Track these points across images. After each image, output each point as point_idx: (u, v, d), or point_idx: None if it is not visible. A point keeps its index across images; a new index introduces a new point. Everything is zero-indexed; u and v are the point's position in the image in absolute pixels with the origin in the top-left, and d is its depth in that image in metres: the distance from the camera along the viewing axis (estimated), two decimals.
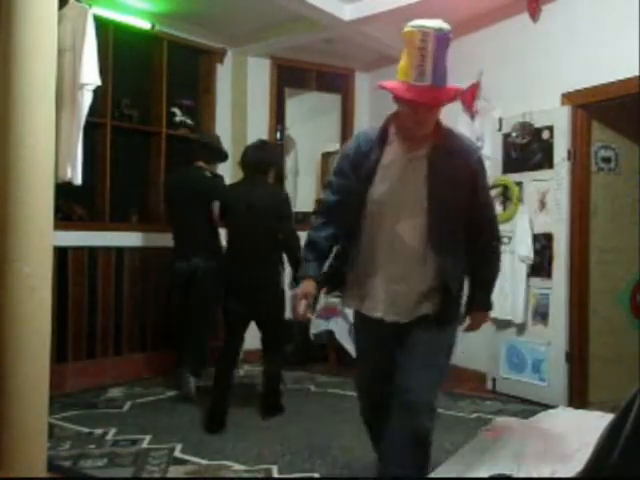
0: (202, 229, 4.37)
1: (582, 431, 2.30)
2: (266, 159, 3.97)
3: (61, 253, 4.32)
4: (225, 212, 3.98)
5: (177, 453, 3.26)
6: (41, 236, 2.57)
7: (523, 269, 4.40)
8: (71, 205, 4.61)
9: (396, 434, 2.18)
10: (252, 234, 3.81)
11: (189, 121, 5.41)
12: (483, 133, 4.86)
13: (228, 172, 5.27)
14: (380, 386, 2.37)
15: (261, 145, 4.06)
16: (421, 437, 2.16)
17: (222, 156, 4.64)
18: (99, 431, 3.58)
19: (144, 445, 3.38)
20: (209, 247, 4.37)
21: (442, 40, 2.17)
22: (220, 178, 4.58)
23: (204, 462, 3.13)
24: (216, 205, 4.15)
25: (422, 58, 2.10)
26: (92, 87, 3.54)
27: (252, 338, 5.68)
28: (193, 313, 4.46)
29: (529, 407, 4.10)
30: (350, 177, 2.28)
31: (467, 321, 2.39)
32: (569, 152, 4.25)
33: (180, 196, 4.43)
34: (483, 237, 2.34)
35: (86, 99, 3.51)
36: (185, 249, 4.41)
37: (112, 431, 3.59)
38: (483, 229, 2.34)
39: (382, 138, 2.27)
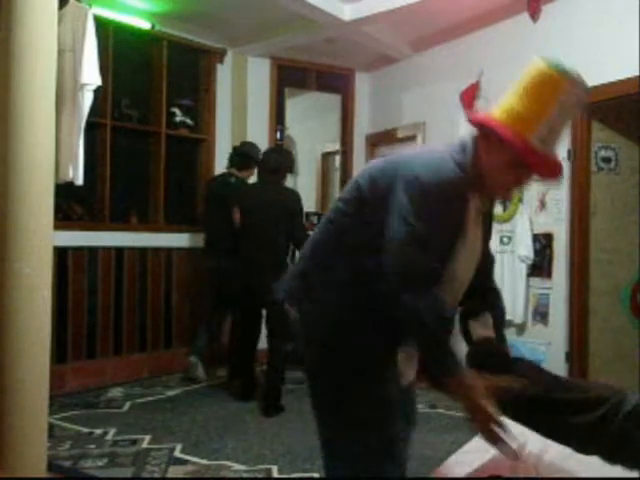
0: (225, 231, 4.54)
1: None
2: (284, 164, 4.35)
3: (61, 253, 4.32)
4: (244, 212, 4.26)
5: (177, 453, 3.26)
6: (41, 236, 2.57)
7: (523, 269, 4.40)
8: (71, 205, 4.61)
9: None
10: (270, 230, 4.15)
11: (189, 121, 5.41)
12: None
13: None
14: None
15: (279, 150, 4.51)
16: None
17: (252, 163, 4.79)
18: (99, 431, 3.58)
19: (144, 445, 3.38)
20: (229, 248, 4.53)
21: (581, 104, 1.69)
22: (243, 183, 4.79)
23: (204, 462, 3.13)
24: (236, 209, 4.37)
25: (558, 120, 1.59)
26: (92, 87, 3.55)
27: None
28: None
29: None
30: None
31: None
32: (569, 152, 4.25)
33: (210, 201, 4.87)
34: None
35: (87, 99, 3.51)
36: (211, 249, 4.78)
37: (112, 431, 3.59)
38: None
39: (467, 190, 1.64)
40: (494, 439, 1.55)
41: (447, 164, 1.59)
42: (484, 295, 1.88)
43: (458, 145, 1.68)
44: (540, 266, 4.36)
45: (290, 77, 6.02)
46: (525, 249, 4.36)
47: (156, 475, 2.98)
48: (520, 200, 4.46)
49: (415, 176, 1.56)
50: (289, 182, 5.97)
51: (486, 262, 1.84)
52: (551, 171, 1.62)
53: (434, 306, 1.54)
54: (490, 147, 1.62)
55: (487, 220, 1.80)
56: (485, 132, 1.64)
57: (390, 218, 1.57)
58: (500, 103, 1.65)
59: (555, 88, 1.59)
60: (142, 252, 4.97)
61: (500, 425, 1.53)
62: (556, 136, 1.60)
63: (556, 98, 1.57)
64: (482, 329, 1.82)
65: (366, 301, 1.66)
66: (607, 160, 4.47)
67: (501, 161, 1.60)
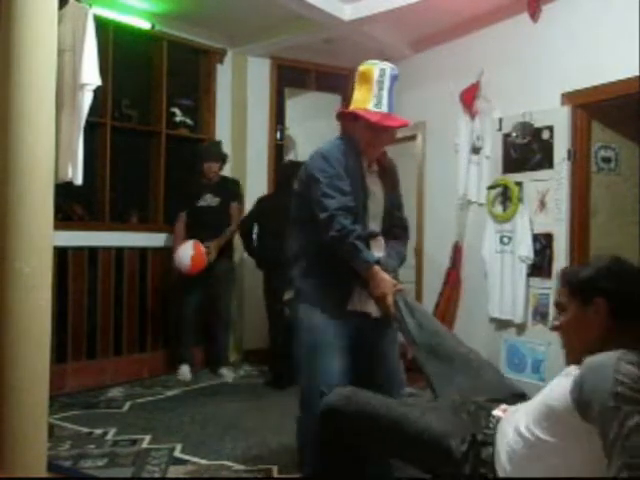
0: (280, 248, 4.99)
1: None
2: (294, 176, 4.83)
3: (61, 253, 4.32)
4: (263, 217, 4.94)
5: (177, 453, 3.26)
6: (41, 236, 2.57)
7: (523, 269, 4.40)
8: (71, 205, 4.61)
9: None
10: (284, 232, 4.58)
11: (189, 121, 5.42)
12: (483, 133, 4.87)
13: (228, 172, 5.30)
14: None
15: (291, 165, 5.12)
16: None
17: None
18: (99, 431, 3.58)
19: (144, 445, 3.38)
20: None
21: (394, 77, 2.61)
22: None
23: (204, 462, 3.13)
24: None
25: (379, 90, 2.56)
26: (92, 87, 3.54)
27: (252, 338, 5.70)
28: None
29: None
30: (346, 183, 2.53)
31: None
32: (569, 152, 4.25)
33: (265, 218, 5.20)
34: (404, 239, 2.85)
35: (86, 99, 3.50)
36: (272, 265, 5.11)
37: (112, 431, 3.59)
38: (403, 235, 2.85)
39: (357, 153, 2.61)
40: (390, 315, 2.43)
41: (333, 141, 2.65)
42: (391, 229, 2.76)
43: (340, 133, 2.74)
44: (540, 266, 4.36)
45: (290, 77, 6.02)
46: (525, 249, 4.36)
47: (156, 475, 2.98)
48: (520, 200, 4.45)
49: (316, 152, 2.60)
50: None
51: (392, 206, 2.76)
52: (381, 120, 2.53)
53: (352, 227, 2.41)
54: (354, 125, 2.59)
55: (387, 179, 2.75)
56: (347, 118, 2.62)
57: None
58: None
59: (369, 74, 2.56)
60: (142, 252, 4.98)
61: (394, 307, 2.39)
62: (383, 97, 2.56)
63: (372, 78, 2.55)
64: (376, 250, 2.58)
65: (315, 265, 2.57)
66: (607, 160, 4.47)
67: (361, 130, 2.57)
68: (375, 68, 2.56)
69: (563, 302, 1.72)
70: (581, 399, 1.44)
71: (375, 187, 2.68)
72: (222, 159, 5.07)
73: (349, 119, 2.61)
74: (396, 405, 2.01)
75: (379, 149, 2.67)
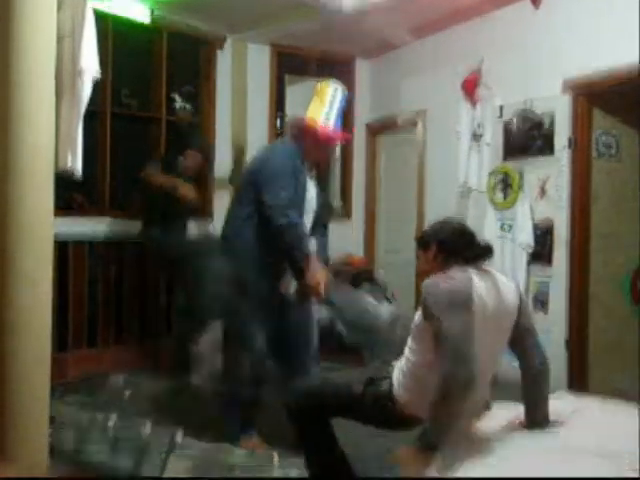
0: None
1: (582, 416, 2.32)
2: None
3: (61, 242, 4.31)
4: None
5: (178, 439, 3.26)
6: (41, 229, 2.56)
7: (523, 256, 4.40)
8: (71, 193, 4.60)
9: None
10: None
11: (189, 107, 5.40)
12: (484, 120, 4.85)
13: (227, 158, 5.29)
14: None
15: None
16: None
17: None
18: (101, 418, 3.59)
19: (146, 432, 3.38)
20: None
21: (345, 97, 3.08)
22: None
23: (205, 446, 3.15)
24: None
25: (330, 107, 2.99)
26: (91, 74, 3.52)
27: None
28: None
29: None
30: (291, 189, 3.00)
31: None
32: (570, 139, 4.24)
33: None
34: (326, 235, 3.40)
35: (86, 87, 3.49)
36: None
37: (114, 418, 3.59)
38: (325, 232, 3.38)
39: (301, 157, 3.07)
40: (320, 300, 3.02)
41: (284, 143, 3.25)
42: (318, 226, 3.25)
43: (280, 140, 3.26)
44: (540, 253, 4.36)
45: (290, 64, 6.00)
46: (526, 237, 4.36)
47: (157, 463, 2.98)
48: (521, 187, 4.45)
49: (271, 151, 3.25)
50: None
51: (321, 207, 3.23)
52: (328, 134, 3.07)
53: (299, 220, 2.95)
54: (302, 135, 3.08)
55: (320, 183, 3.28)
56: (298, 125, 3.14)
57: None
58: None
59: (324, 90, 3.04)
60: (142, 248, 4.97)
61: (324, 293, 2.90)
62: (331, 115, 3.03)
63: (326, 95, 3.01)
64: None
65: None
66: (608, 146, 4.46)
67: (309, 140, 3.06)
68: (330, 86, 3.03)
69: (418, 255, 2.38)
70: (423, 307, 2.10)
71: (311, 189, 3.15)
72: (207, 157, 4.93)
73: (300, 128, 3.08)
74: (334, 381, 2.67)
75: (319, 158, 3.19)
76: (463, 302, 2.02)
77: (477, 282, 2.09)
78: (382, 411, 2.27)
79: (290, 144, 3.13)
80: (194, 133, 5.17)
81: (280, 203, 2.89)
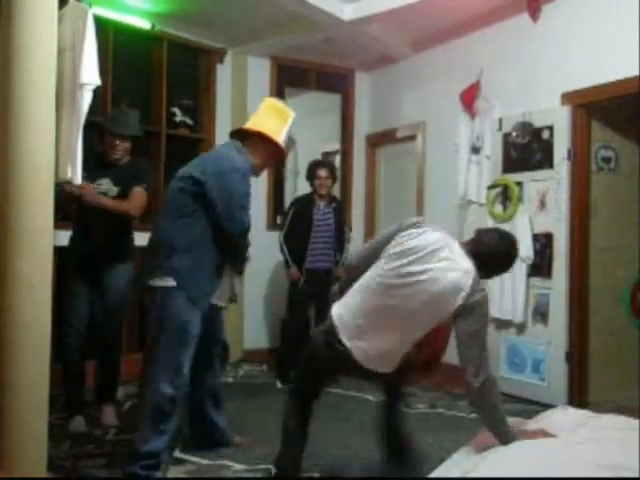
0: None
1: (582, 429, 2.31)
2: None
3: (61, 252, 4.30)
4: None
5: (177, 453, 3.25)
6: (41, 235, 2.56)
7: (523, 269, 4.40)
8: (70, 204, 4.59)
9: None
10: None
11: (189, 121, 5.41)
12: (483, 133, 4.87)
13: None
14: None
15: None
16: None
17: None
18: (99, 431, 3.58)
19: None
20: None
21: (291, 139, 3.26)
22: None
23: (204, 462, 3.13)
24: None
25: (287, 130, 3.07)
26: (92, 87, 3.53)
27: (252, 338, 5.70)
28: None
29: (529, 407, 4.10)
30: None
31: None
32: (569, 152, 4.25)
33: (296, 219, 5.15)
34: None
35: (86, 99, 3.50)
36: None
37: (112, 431, 3.58)
38: None
39: (253, 169, 3.04)
40: None
41: (242, 157, 2.91)
42: None
43: (234, 148, 2.96)
44: (540, 266, 4.36)
45: (290, 77, 6.03)
46: (525, 249, 4.35)
47: (156, 475, 2.97)
48: (520, 200, 4.46)
49: (227, 167, 2.83)
50: (290, 182, 6.04)
51: None
52: (284, 153, 3.16)
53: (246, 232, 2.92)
54: (260, 146, 3.00)
55: None
56: (254, 138, 2.99)
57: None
58: (256, 122, 3.02)
59: (287, 116, 3.07)
60: (142, 251, 4.95)
61: None
62: (285, 138, 3.05)
63: (288, 120, 3.05)
64: None
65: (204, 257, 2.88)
66: (607, 160, 4.48)
67: (266, 153, 3.03)
68: (291, 114, 3.08)
69: None
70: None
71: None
72: (137, 135, 3.79)
73: (257, 139, 2.98)
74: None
75: (260, 172, 3.16)
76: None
77: None
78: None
79: (245, 155, 2.94)
80: (117, 114, 3.91)
81: (244, 230, 2.88)
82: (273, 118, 3.00)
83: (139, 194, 3.64)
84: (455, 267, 2.37)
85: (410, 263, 2.39)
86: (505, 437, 2.26)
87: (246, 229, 2.89)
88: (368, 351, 2.44)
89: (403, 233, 2.49)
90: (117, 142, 3.64)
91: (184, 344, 2.79)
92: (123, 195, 3.61)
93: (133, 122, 3.73)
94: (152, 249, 2.89)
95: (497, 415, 2.34)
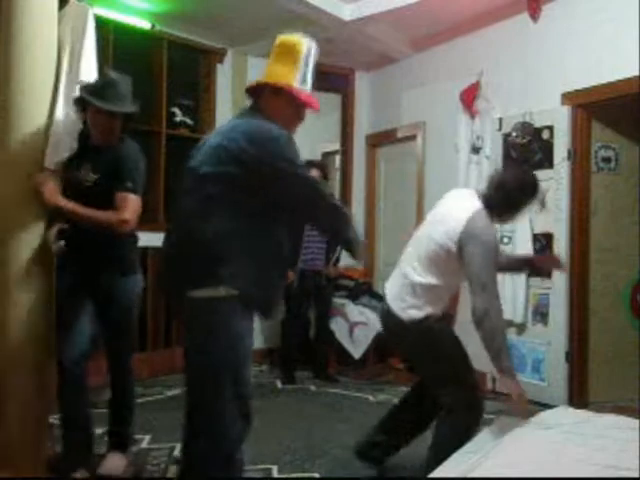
0: None
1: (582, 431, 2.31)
2: None
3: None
4: None
5: (177, 453, 3.25)
6: (41, 236, 2.57)
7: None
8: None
9: None
10: None
11: (189, 121, 5.41)
12: (483, 133, 4.86)
13: None
14: None
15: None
16: None
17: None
18: (99, 431, 3.57)
19: (144, 445, 3.38)
20: None
21: (316, 55, 2.42)
22: None
23: None
24: None
25: (305, 67, 2.36)
26: None
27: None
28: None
29: (529, 407, 4.09)
30: None
31: None
32: (569, 152, 4.25)
33: None
34: None
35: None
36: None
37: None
38: None
39: None
40: None
41: (265, 122, 2.21)
42: None
43: (249, 114, 2.32)
44: (540, 266, 4.36)
45: None
46: (525, 249, 4.36)
47: (156, 475, 2.97)
48: None
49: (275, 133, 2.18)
50: None
51: None
52: (311, 100, 2.33)
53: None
54: (274, 102, 2.29)
55: None
56: (266, 93, 2.31)
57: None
58: (265, 73, 2.36)
59: (297, 48, 2.34)
60: (142, 252, 4.96)
61: None
62: (308, 75, 2.35)
63: (300, 54, 2.33)
64: None
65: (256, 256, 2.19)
66: (607, 160, 4.47)
67: (284, 106, 2.29)
68: (303, 43, 2.37)
69: None
70: None
71: None
72: (129, 114, 2.92)
73: (269, 93, 2.31)
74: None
75: (295, 129, 2.37)
76: None
77: None
78: None
79: (267, 121, 2.24)
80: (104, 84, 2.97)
81: (316, 188, 2.27)
82: (281, 60, 2.36)
83: (126, 201, 2.74)
84: (458, 206, 2.71)
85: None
86: (501, 365, 2.45)
87: (320, 185, 2.31)
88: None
89: None
90: (102, 121, 2.77)
91: (248, 367, 2.18)
92: (101, 186, 2.74)
93: (123, 94, 2.85)
94: (180, 251, 2.20)
95: (499, 340, 2.46)
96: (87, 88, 2.76)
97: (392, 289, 2.80)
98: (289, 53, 2.34)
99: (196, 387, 2.14)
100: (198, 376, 2.13)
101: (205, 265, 2.08)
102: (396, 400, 4.32)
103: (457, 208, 2.71)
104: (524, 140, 4.49)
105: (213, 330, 2.09)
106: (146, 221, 5.09)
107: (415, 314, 2.64)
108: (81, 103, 2.76)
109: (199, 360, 2.12)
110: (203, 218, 2.09)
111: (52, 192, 2.60)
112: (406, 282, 2.71)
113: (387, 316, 2.76)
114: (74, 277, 2.80)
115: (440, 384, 2.69)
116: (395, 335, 2.82)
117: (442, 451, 2.38)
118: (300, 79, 2.32)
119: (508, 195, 2.69)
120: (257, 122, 2.21)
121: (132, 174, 2.80)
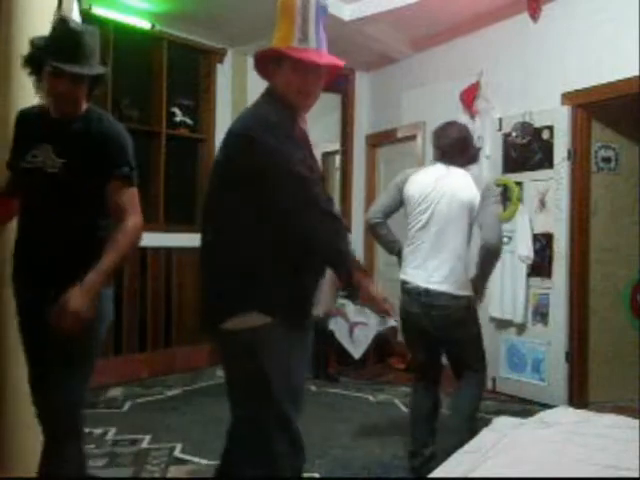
0: None
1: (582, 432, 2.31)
2: None
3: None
4: None
5: (177, 453, 3.26)
6: None
7: (523, 269, 4.40)
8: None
9: None
10: None
11: (189, 121, 5.41)
12: (483, 133, 4.87)
13: None
14: None
15: None
16: None
17: None
18: (99, 431, 3.58)
19: (144, 445, 3.38)
20: None
21: (323, 8, 2.03)
22: None
23: (204, 462, 3.13)
24: None
25: (303, 22, 1.97)
26: None
27: None
28: None
29: (529, 407, 4.10)
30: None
31: None
32: (569, 152, 4.25)
33: None
34: None
35: None
36: None
37: (112, 431, 3.59)
38: None
39: (292, 115, 2.00)
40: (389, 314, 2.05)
41: (263, 105, 2.01)
42: None
43: (259, 99, 2.08)
44: (540, 266, 4.36)
45: None
46: (525, 249, 4.36)
47: (156, 475, 2.98)
48: (520, 200, 4.46)
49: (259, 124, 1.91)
50: None
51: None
52: (307, 55, 1.95)
53: (339, 214, 1.98)
54: (278, 73, 2.00)
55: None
56: (270, 68, 2.04)
57: None
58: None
59: (291, 3, 1.96)
60: (142, 252, 4.97)
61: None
62: (309, 29, 1.98)
63: (294, 9, 1.95)
64: None
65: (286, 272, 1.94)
66: (607, 160, 4.47)
67: (288, 76, 1.97)
68: None
69: None
70: None
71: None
72: (97, 77, 2.15)
73: (271, 65, 2.03)
74: None
75: (310, 99, 2.02)
76: None
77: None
78: None
79: (267, 105, 2.01)
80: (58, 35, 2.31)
81: (311, 196, 1.87)
82: (279, 23, 2.02)
83: (128, 195, 2.10)
84: (459, 183, 2.95)
85: None
86: (482, 286, 2.94)
87: (315, 194, 1.87)
88: None
89: None
90: (63, 87, 2.03)
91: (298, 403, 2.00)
92: (73, 172, 2.04)
93: (90, 50, 2.06)
94: (212, 275, 1.94)
95: (489, 275, 2.94)
96: (41, 43, 2.07)
97: (441, 273, 2.85)
98: (283, 12, 1.99)
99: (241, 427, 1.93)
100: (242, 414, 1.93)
101: (233, 288, 1.84)
102: (396, 400, 4.36)
103: (459, 186, 2.91)
104: (524, 140, 4.49)
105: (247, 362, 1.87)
106: (146, 221, 5.13)
107: (465, 291, 2.88)
108: (34, 64, 2.07)
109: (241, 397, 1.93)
110: (219, 231, 1.90)
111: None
112: (459, 262, 2.87)
113: (437, 300, 2.84)
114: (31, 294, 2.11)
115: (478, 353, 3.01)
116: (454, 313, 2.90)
117: None
118: (299, 37, 1.96)
119: (469, 146, 3.18)
120: (244, 113, 2.03)
121: (125, 155, 2.12)
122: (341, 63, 2.08)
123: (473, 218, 2.88)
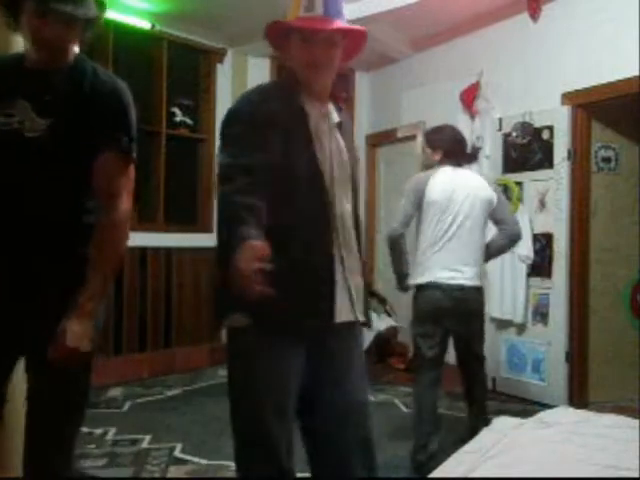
0: None
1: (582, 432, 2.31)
2: None
3: None
4: None
5: (177, 453, 3.26)
6: None
7: (523, 269, 4.40)
8: None
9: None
10: None
11: (189, 121, 5.41)
12: (483, 133, 4.87)
13: None
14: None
15: None
16: None
17: None
18: (99, 431, 3.58)
19: (144, 445, 3.38)
20: None
21: None
22: None
23: (204, 462, 3.13)
24: None
25: None
26: None
27: None
28: None
29: (529, 407, 4.10)
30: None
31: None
32: (569, 152, 4.25)
33: None
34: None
35: None
36: None
37: (112, 431, 3.59)
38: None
39: (295, 93, 1.82)
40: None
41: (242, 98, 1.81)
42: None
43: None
44: (540, 266, 4.36)
45: None
46: (525, 249, 4.36)
47: (156, 475, 2.98)
48: (520, 200, 4.46)
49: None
50: None
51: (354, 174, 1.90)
52: (305, 22, 1.79)
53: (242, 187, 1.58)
54: (288, 48, 1.85)
55: (345, 132, 1.93)
56: (281, 39, 1.89)
57: None
58: None
59: None
60: (142, 252, 4.97)
61: None
62: (315, 0, 1.80)
63: None
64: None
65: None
66: (607, 160, 4.47)
67: (297, 49, 1.81)
68: None
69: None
70: None
71: (333, 142, 1.84)
72: (90, 21, 1.72)
73: (282, 41, 1.92)
74: None
75: (321, 73, 1.84)
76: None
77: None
78: None
79: (269, 83, 1.92)
80: None
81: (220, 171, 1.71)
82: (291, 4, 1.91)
83: (122, 172, 1.72)
84: (474, 185, 3.14)
85: None
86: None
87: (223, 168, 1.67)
88: None
89: None
90: (51, 31, 1.62)
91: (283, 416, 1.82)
92: (61, 136, 1.63)
93: None
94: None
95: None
96: None
97: (472, 269, 3.03)
98: None
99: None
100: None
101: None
102: (396, 400, 4.36)
103: (477, 185, 3.11)
104: (524, 140, 4.49)
105: (230, 367, 1.78)
106: (146, 221, 5.14)
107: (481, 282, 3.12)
108: (12, 3, 1.64)
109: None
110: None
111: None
112: (481, 257, 3.11)
113: (470, 294, 3.03)
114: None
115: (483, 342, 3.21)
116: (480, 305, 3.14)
117: None
118: (305, 5, 1.83)
119: (466, 145, 3.47)
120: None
121: (126, 120, 1.75)
122: (361, 28, 1.84)
123: (490, 214, 3.09)
